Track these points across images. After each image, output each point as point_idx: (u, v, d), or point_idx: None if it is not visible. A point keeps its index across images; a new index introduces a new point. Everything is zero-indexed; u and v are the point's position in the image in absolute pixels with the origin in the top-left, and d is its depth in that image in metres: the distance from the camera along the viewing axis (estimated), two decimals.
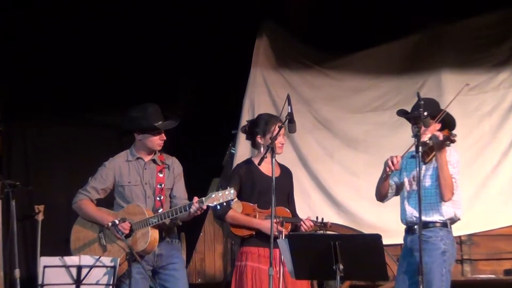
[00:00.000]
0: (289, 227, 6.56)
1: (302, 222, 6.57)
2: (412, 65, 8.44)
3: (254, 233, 6.52)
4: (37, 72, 8.58)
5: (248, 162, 6.68)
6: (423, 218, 5.99)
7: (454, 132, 6.01)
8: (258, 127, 6.57)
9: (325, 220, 6.68)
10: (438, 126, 6.15)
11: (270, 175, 6.36)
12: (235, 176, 6.66)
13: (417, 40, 8.51)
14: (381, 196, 6.34)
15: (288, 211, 6.61)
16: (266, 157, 6.23)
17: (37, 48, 8.54)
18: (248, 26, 8.53)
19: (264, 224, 6.45)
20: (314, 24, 8.84)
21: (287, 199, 6.69)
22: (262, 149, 6.52)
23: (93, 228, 6.49)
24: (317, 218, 6.66)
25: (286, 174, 6.76)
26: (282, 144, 6.62)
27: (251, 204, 6.59)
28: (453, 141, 5.85)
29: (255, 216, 6.54)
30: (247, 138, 6.77)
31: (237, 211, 6.57)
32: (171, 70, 8.84)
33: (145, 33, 8.53)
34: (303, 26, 8.92)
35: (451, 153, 6.13)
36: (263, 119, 6.63)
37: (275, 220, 6.35)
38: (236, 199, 6.47)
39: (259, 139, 6.59)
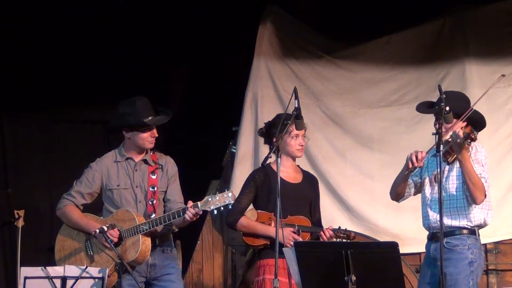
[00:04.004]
0: (308, 237, 6.61)
1: (321, 232, 6.61)
2: (433, 54, 8.43)
3: (268, 243, 6.58)
4: (16, 65, 8.57)
5: (265, 167, 6.69)
6: (449, 223, 6.06)
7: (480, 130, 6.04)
8: (276, 128, 6.55)
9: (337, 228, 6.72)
10: (463, 124, 6.16)
11: (290, 181, 6.49)
12: (250, 183, 6.75)
13: (438, 26, 8.48)
14: (397, 195, 6.37)
15: (308, 220, 6.66)
16: (278, 159, 6.21)
17: (16, 39, 8.53)
18: (251, 10, 8.51)
19: (280, 232, 6.44)
20: (324, 9, 8.81)
21: (309, 209, 6.74)
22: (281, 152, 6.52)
23: (79, 237, 6.53)
24: (339, 227, 6.69)
25: (309, 181, 6.83)
26: (302, 146, 6.68)
27: (268, 212, 6.65)
28: (473, 140, 5.87)
29: (270, 225, 6.58)
30: (265, 142, 6.81)
31: (250, 219, 6.61)
32: (163, 58, 8.82)
33: (134, 17, 8.46)
34: (314, 11, 8.90)
35: (477, 150, 6.15)
36: (281, 118, 6.61)
37: (290, 229, 6.40)
38: (251, 207, 6.52)
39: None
